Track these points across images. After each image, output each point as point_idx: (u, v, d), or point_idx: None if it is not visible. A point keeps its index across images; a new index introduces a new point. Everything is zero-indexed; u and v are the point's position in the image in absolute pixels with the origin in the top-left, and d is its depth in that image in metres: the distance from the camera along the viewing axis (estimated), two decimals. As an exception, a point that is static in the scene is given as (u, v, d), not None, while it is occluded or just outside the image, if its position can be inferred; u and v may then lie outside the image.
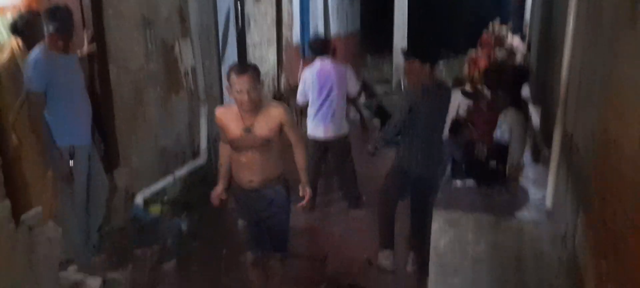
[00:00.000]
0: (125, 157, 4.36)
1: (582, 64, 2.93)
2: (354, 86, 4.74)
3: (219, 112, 3.03)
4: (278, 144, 3.01)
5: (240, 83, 2.75)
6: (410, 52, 3.67)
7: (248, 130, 2.89)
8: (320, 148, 4.65)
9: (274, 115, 2.93)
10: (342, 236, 4.46)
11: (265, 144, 2.92)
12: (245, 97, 2.76)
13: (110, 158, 4.18)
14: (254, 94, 2.79)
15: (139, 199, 4.39)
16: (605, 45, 2.43)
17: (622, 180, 1.98)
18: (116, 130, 4.25)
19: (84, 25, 3.95)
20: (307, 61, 9.35)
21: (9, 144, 3.47)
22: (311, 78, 4.47)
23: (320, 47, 4.61)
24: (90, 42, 3.92)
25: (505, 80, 3.92)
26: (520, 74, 4.21)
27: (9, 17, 3.76)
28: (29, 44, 3.44)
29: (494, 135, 3.74)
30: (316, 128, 4.53)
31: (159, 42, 4.70)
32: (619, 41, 2.19)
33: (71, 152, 3.32)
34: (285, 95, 7.96)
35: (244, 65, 2.87)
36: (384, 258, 3.92)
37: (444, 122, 3.72)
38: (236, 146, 2.96)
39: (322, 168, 4.92)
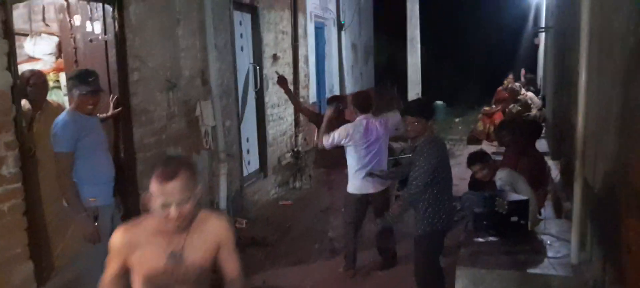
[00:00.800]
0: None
1: (598, 116, 2.96)
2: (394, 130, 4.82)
3: (122, 234, 1.99)
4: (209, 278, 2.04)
5: (168, 192, 1.83)
6: (406, 110, 3.73)
7: (176, 256, 1.94)
8: (364, 204, 4.62)
9: (211, 230, 2.02)
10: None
11: (199, 278, 1.99)
12: (174, 213, 1.84)
13: (132, 217, 4.23)
14: (187, 205, 1.87)
15: (158, 259, 4.39)
16: (620, 95, 2.46)
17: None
18: (139, 190, 4.33)
19: (110, 90, 4.12)
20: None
21: (40, 207, 3.58)
22: (358, 134, 4.43)
23: (364, 104, 4.65)
24: (116, 105, 4.07)
25: (518, 135, 3.97)
26: (534, 128, 4.24)
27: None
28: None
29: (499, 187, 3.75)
30: (365, 183, 4.52)
31: (181, 104, 4.85)
32: (633, 90, 2.23)
33: (95, 213, 3.37)
34: (302, 154, 8.05)
35: (173, 166, 1.89)
36: None
37: (448, 175, 3.68)
38: (155, 286, 1.96)
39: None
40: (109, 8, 4.02)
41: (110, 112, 4.05)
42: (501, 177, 3.76)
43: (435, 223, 3.57)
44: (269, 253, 5.26)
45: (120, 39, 4.10)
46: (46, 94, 3.81)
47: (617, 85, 2.50)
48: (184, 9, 4.95)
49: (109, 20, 4.06)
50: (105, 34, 4.07)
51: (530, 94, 10.01)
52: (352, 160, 4.51)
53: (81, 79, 3.35)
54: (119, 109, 4.08)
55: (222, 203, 5.45)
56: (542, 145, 8.12)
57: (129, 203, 4.28)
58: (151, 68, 4.41)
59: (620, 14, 2.50)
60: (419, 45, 7.75)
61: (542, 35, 11.36)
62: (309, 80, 8.88)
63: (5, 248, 3.04)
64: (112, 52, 4.11)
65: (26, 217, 3.18)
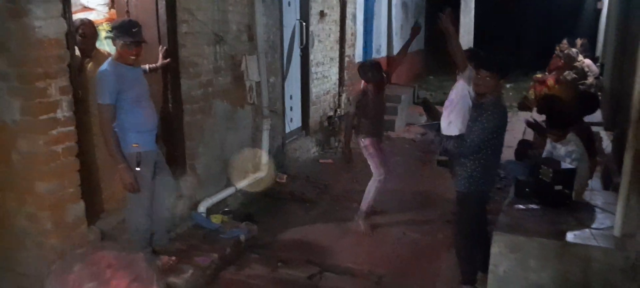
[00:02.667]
0: (192, 166, 4.57)
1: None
2: None
3: None
4: None
5: None
6: (480, 63, 3.43)
7: None
8: None
9: None
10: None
11: None
12: None
13: (177, 166, 4.40)
14: None
15: (202, 208, 4.57)
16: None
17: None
18: (185, 140, 4.48)
19: (159, 41, 4.21)
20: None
21: (91, 150, 3.76)
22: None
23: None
24: (165, 56, 4.17)
25: (559, 110, 3.79)
26: (587, 102, 4.01)
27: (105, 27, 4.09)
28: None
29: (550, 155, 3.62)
30: None
31: (227, 58, 4.92)
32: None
33: (138, 159, 3.48)
34: (346, 110, 8.03)
35: None
36: None
37: (501, 141, 3.51)
38: None
39: None
40: (160, -40, 4.08)
41: (159, 63, 4.16)
42: (575, 140, 3.59)
43: (481, 185, 3.47)
44: (307, 209, 5.36)
45: (171, -9, 4.17)
46: (95, 43, 3.93)
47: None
48: (232, -37, 4.95)
49: (160, -28, 4.12)
50: (156, -14, 4.13)
51: (587, 61, 9.50)
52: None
53: (125, 29, 3.38)
54: (168, 60, 4.18)
55: (264, 158, 5.56)
56: (596, 115, 7.77)
57: (175, 153, 4.44)
58: (200, 21, 4.47)
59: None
60: (473, 5, 7.41)
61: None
62: (355, 38, 8.75)
63: (60, 188, 3.23)
64: (162, 4, 4.19)
65: (79, 159, 3.35)
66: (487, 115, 3.31)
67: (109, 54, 3.75)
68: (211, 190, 4.77)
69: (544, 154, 3.73)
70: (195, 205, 4.57)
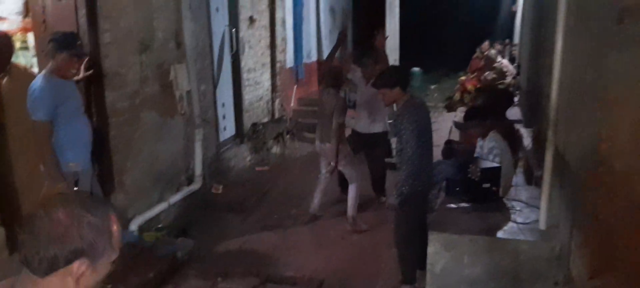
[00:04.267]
0: (121, 182, 4.35)
1: (571, 85, 3.00)
2: None
3: None
4: None
5: None
6: (376, 82, 3.73)
7: None
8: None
9: None
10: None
11: None
12: None
13: (105, 184, 4.18)
14: None
15: (133, 226, 4.37)
16: (594, 65, 2.49)
17: (614, 197, 2.01)
18: (112, 155, 4.26)
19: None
20: (301, 84, 9.44)
21: (9, 172, 3.48)
22: None
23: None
24: (87, 68, 3.95)
25: (489, 104, 4.02)
26: (505, 98, 4.28)
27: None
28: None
29: (479, 155, 3.81)
30: None
31: (154, 67, 4.74)
32: (607, 60, 2.26)
33: (76, 177, 3.31)
34: (279, 116, 8.01)
35: None
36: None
37: (429, 138, 3.64)
38: None
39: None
40: (78, -35, 3.86)
41: (81, 75, 3.93)
42: (495, 137, 3.80)
43: (416, 185, 3.54)
44: (245, 218, 5.28)
45: (91, -1, 3.95)
46: (11, 56, 3.65)
47: (592, 55, 2.53)
48: (156, -32, 4.78)
49: (79, -22, 3.90)
50: (74, -7, 3.91)
51: (505, 62, 10.11)
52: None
53: (68, 41, 3.24)
54: (91, 71, 3.96)
55: (198, 169, 5.41)
56: (515, 113, 8.24)
57: (103, 169, 4.21)
58: (123, 29, 4.27)
59: (596, -17, 2.51)
60: (397, 10, 7.69)
61: (520, 2, 11.38)
62: (286, 44, 8.75)
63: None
64: (82, 12, 3.96)
65: (-5, 182, 3.10)
66: (405, 120, 3.47)
67: (26, 68, 3.50)
68: (142, 207, 4.57)
69: (476, 154, 3.92)
70: (126, 224, 4.36)
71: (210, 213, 5.32)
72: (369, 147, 5.30)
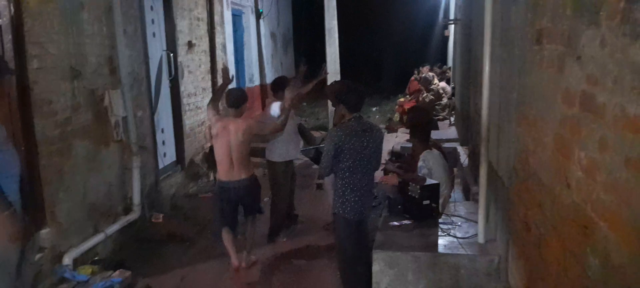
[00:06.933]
0: (52, 215, 4.11)
1: (499, 104, 3.17)
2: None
3: None
4: None
5: None
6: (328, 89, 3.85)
7: None
8: None
9: None
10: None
11: None
12: None
13: (36, 218, 3.93)
14: None
15: (67, 260, 4.12)
16: (517, 84, 2.64)
17: (542, 208, 2.12)
18: (42, 187, 4.02)
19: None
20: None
21: None
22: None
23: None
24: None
25: (416, 124, 4.13)
26: (426, 119, 4.37)
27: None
28: None
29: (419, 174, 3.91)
30: None
31: (87, 93, 4.55)
32: (527, 79, 2.40)
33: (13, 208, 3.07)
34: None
35: None
36: None
37: (373, 161, 3.64)
38: None
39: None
40: (2, -11, 3.67)
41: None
42: (425, 157, 3.89)
43: (342, 211, 3.52)
44: (187, 248, 5.12)
45: (17, 24, 3.77)
46: None
47: (516, 75, 2.68)
48: (88, -7, 4.64)
49: (3, 2, 3.71)
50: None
51: (442, 84, 10.52)
52: None
53: None
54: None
55: (136, 198, 5.21)
56: (451, 132, 8.57)
57: (32, 201, 3.96)
58: (53, 55, 4.09)
59: (518, 7, 2.68)
60: (336, 36, 7.82)
61: (452, 27, 11.95)
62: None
63: None
64: (8, 38, 3.76)
65: None
66: (326, 141, 3.55)
67: None
68: (76, 239, 4.33)
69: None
70: (59, 258, 4.11)
71: (150, 244, 5.11)
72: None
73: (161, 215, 5.61)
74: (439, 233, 3.35)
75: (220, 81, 8.19)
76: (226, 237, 4.52)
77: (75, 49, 4.40)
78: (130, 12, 5.42)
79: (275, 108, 5.14)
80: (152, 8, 6.22)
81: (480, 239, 3.13)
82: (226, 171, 4.37)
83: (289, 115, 4.62)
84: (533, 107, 2.31)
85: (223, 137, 4.31)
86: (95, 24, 4.74)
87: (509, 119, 2.89)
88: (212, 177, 7.44)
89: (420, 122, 4.09)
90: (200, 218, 5.86)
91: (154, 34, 6.24)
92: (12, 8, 3.73)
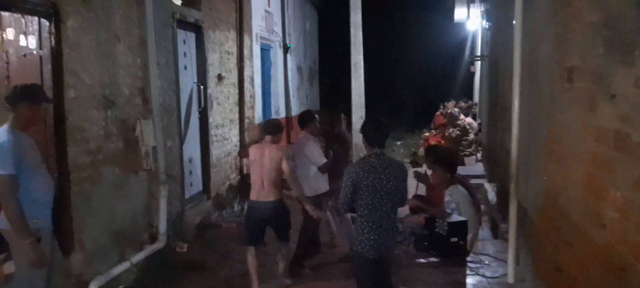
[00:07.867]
0: (79, 241, 4.18)
1: (529, 140, 3.13)
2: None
3: None
4: None
5: None
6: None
7: None
8: None
9: None
10: None
11: None
12: None
13: (64, 243, 4.00)
14: None
15: (92, 287, 4.17)
16: (546, 121, 2.61)
17: (573, 248, 2.07)
18: (72, 213, 4.10)
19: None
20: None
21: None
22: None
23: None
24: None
25: (439, 160, 4.08)
26: (451, 156, 4.32)
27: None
28: None
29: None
30: None
31: (119, 122, 4.68)
32: (558, 117, 2.38)
33: (37, 235, 3.14)
34: (247, 172, 7.94)
35: None
36: None
37: (395, 198, 3.50)
38: None
39: None
40: (45, 22, 3.85)
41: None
42: (452, 192, 3.82)
43: (361, 248, 3.39)
44: (207, 277, 5.11)
45: (57, 55, 3.93)
46: None
47: (544, 112, 2.66)
48: (124, 26, 4.82)
49: (45, 34, 3.88)
50: (40, 49, 3.88)
51: (468, 119, 10.43)
52: None
53: (34, 92, 3.16)
54: None
55: (162, 227, 5.27)
56: (478, 168, 8.45)
57: (61, 226, 4.05)
58: (88, 85, 4.24)
59: (546, 45, 2.67)
60: (362, 70, 7.90)
61: (478, 64, 11.93)
62: (254, 100, 8.83)
63: None
64: (47, 68, 3.92)
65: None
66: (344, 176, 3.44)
67: None
68: (102, 267, 4.38)
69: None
70: (85, 285, 4.15)
71: (173, 272, 5.13)
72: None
73: (185, 245, 5.65)
74: (467, 272, 3.27)
75: (247, 113, 8.35)
76: (251, 262, 4.59)
77: (109, 79, 4.55)
78: (163, 45, 5.59)
79: (312, 149, 5.26)
80: (184, 42, 6.41)
81: (510, 279, 3.05)
82: (257, 191, 4.55)
83: (317, 148, 4.77)
84: (563, 144, 2.28)
85: (259, 161, 4.54)
86: (130, 56, 4.91)
87: (537, 156, 2.85)
88: (236, 207, 7.49)
89: (444, 157, 4.05)
90: (223, 247, 5.86)
91: (185, 67, 6.41)
92: (52, 39, 3.89)
